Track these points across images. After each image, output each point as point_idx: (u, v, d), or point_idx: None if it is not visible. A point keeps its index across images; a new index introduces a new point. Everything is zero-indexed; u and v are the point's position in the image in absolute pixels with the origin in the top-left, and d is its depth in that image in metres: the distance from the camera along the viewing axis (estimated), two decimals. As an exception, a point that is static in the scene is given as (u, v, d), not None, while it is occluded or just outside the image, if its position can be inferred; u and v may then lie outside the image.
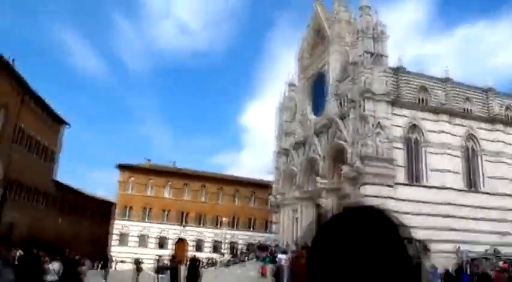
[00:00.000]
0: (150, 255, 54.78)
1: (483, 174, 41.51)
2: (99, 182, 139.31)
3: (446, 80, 48.57)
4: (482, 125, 42.92)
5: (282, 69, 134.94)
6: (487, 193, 40.75)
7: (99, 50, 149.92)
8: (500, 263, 27.40)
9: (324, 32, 50.20)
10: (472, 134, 42.00)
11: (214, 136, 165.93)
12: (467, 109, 48.06)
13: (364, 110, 37.80)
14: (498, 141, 42.71)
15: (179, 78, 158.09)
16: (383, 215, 1.17)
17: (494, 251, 35.21)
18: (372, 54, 39.66)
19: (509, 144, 43.27)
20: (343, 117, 42.27)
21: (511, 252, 35.95)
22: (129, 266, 40.06)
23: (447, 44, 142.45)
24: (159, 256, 31.59)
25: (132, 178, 63.12)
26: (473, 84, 51.41)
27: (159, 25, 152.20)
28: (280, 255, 27.17)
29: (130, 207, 62.16)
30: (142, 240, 61.18)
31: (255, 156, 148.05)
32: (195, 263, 17.98)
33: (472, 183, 41.01)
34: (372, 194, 35.92)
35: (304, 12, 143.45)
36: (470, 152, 41.85)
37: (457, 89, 49.09)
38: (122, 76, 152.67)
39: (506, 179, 41.91)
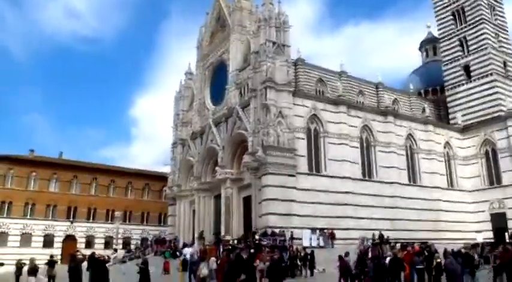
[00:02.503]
0: (35, 255, 50.33)
1: (376, 164, 43.28)
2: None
3: (341, 73, 50.36)
4: (376, 116, 44.69)
5: (174, 62, 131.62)
6: (380, 181, 42.63)
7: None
8: (397, 246, 28.45)
9: (224, 20, 49.16)
10: (367, 125, 43.55)
11: (102, 128, 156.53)
12: (361, 102, 50.29)
13: (266, 99, 37.38)
14: (389, 132, 44.77)
15: (65, 65, 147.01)
16: None
17: (380, 236, 36.50)
18: (274, 43, 39.36)
19: (399, 135, 45.65)
20: (243, 106, 41.65)
21: (402, 237, 38.02)
22: (10, 269, 35.81)
23: (335, 42, 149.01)
24: (52, 256, 28.12)
25: (12, 171, 57.19)
26: (365, 78, 54.02)
27: (44, 7, 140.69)
28: (186, 249, 25.70)
29: (10, 203, 56.28)
30: (25, 239, 55.64)
31: (146, 149, 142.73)
32: (101, 262, 15.66)
33: (367, 173, 42.53)
34: (274, 184, 35.74)
35: (199, 2, 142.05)
36: (365, 143, 43.39)
37: (351, 82, 51.12)
38: (2, 62, 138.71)
39: (396, 167, 44.20)
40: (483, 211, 48.48)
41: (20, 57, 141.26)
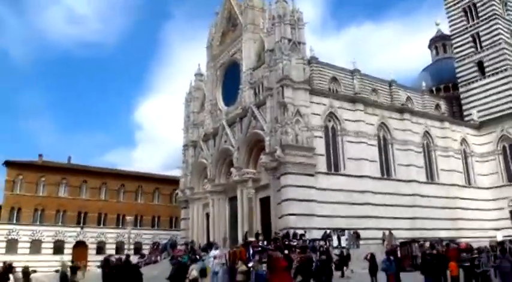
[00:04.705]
0: (45, 262, 49.77)
1: (394, 162, 42.46)
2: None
3: (354, 72, 49.59)
4: (393, 114, 43.92)
5: (178, 64, 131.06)
6: (399, 180, 41.80)
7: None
8: (426, 245, 27.69)
9: (236, 19, 48.46)
10: (384, 123, 42.76)
11: (108, 132, 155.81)
12: (375, 100, 49.51)
13: (283, 98, 36.61)
14: (406, 130, 43.99)
15: (68, 69, 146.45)
16: None
17: (390, 234, 36.10)
18: (290, 40, 38.62)
19: (415, 132, 44.87)
20: (258, 105, 40.93)
21: (421, 236, 37.13)
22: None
23: (338, 44, 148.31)
24: (73, 261, 27.12)
25: (21, 176, 56.42)
26: (378, 76, 53.33)
27: (46, 13, 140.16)
28: (213, 252, 24.78)
29: (19, 209, 55.46)
30: (35, 245, 54.85)
31: (151, 153, 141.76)
32: (134, 267, 14.63)
33: (386, 171, 41.71)
34: (294, 184, 34.91)
35: (202, 4, 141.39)
36: (383, 141, 42.58)
37: (364, 81, 50.41)
38: (2, 67, 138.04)
39: (414, 165, 43.41)
40: (502, 208, 47.63)
41: (21, 61, 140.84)
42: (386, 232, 36.38)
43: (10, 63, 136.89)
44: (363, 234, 35.84)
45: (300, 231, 31.91)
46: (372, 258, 18.59)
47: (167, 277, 15.70)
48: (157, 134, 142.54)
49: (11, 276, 13.96)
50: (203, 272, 23.17)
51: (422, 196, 42.51)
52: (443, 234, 39.93)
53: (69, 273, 22.24)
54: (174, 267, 15.70)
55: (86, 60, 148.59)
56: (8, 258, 47.97)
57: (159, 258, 41.36)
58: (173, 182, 60.69)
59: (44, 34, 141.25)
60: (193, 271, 20.13)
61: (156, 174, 69.22)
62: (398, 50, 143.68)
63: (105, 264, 19.62)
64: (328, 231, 32.14)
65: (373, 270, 18.26)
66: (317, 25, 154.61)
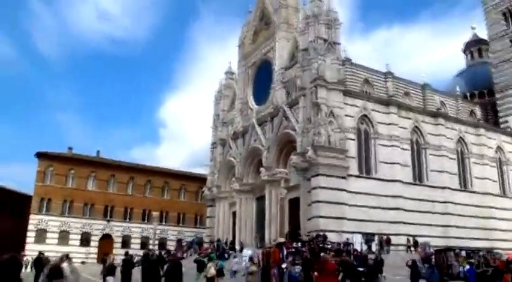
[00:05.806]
0: (72, 254, 50.19)
1: (427, 167, 41.48)
2: (14, 175, 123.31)
3: (387, 74, 48.65)
4: (426, 118, 42.93)
5: (204, 63, 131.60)
6: (431, 186, 40.80)
7: (9, 34, 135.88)
8: (462, 254, 26.88)
9: (268, 18, 48.14)
10: (417, 127, 41.82)
11: (134, 128, 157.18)
12: (408, 103, 48.43)
13: (316, 98, 36.06)
14: (440, 135, 42.94)
15: (97, 65, 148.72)
16: None
17: (414, 241, 35.74)
18: (325, 40, 38.04)
19: (449, 138, 43.75)
20: (290, 105, 40.46)
21: (453, 244, 36.10)
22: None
23: (367, 46, 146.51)
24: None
25: (52, 168, 57.15)
26: (411, 79, 52.24)
27: (77, 9, 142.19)
28: (245, 251, 24.43)
29: (49, 200, 56.26)
30: (63, 236, 55.60)
31: (174, 150, 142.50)
32: (179, 266, 14.28)
33: (418, 176, 40.75)
34: (325, 186, 34.32)
35: (230, 2, 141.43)
36: (416, 145, 41.64)
37: (396, 84, 49.39)
38: (34, 62, 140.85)
39: (447, 172, 42.33)
40: (538, 220, 46.05)
41: (52, 56, 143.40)
42: (411, 239, 35.85)
43: (42, 59, 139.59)
44: (392, 240, 35.17)
45: (329, 234, 31.45)
46: (413, 265, 18.01)
47: (163, 273, 15.46)
48: (181, 132, 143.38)
49: (65, 266, 13.64)
50: (220, 272, 23.06)
51: (455, 204, 41.38)
52: (475, 244, 38.60)
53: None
54: (169, 264, 15.39)
55: (114, 56, 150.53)
56: (37, 247, 49.09)
57: (185, 255, 41.28)
58: (199, 179, 60.80)
59: (75, 30, 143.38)
60: (211, 269, 20.10)
61: (182, 171, 69.32)
62: (430, 54, 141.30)
63: (145, 259, 19.40)
64: (368, 235, 31.63)
65: (414, 277, 17.68)
66: (344, 28, 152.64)
